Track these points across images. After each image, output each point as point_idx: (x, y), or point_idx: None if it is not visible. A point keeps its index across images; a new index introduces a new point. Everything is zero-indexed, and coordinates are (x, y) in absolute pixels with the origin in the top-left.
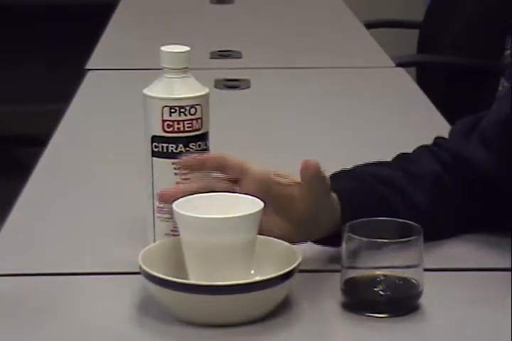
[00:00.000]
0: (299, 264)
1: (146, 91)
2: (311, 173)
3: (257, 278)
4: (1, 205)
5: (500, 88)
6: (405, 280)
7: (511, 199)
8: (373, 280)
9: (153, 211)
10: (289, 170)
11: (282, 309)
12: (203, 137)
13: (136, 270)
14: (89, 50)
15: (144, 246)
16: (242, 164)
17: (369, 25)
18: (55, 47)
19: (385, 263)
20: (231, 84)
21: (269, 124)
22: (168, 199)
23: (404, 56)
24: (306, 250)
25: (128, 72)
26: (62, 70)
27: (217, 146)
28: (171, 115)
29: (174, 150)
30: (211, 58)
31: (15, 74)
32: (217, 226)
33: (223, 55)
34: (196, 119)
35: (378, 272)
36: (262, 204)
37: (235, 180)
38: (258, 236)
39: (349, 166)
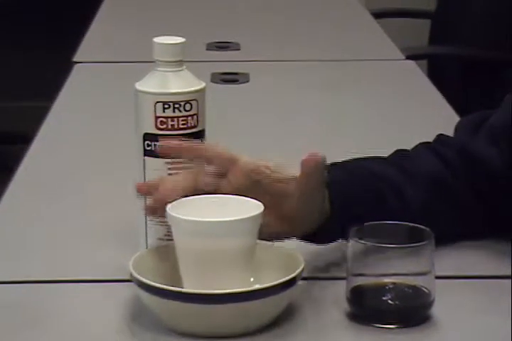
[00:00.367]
0: (302, 271)
1: (138, 85)
2: (312, 167)
3: (257, 286)
4: None
5: None
6: (416, 288)
7: None
8: (381, 289)
9: (145, 214)
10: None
11: (284, 319)
12: (199, 135)
13: (127, 277)
14: (77, 42)
15: (136, 252)
16: (230, 155)
17: (377, 15)
18: (40, 38)
19: (394, 270)
20: (229, 78)
21: (269, 121)
22: (145, 191)
23: (414, 48)
24: (310, 256)
25: (118, 65)
26: (48, 63)
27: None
28: (164, 111)
29: None
30: (207, 50)
31: None
32: (214, 230)
33: (220, 46)
34: (191, 116)
35: (387, 280)
36: (262, 207)
37: (221, 174)
38: (258, 240)
39: None
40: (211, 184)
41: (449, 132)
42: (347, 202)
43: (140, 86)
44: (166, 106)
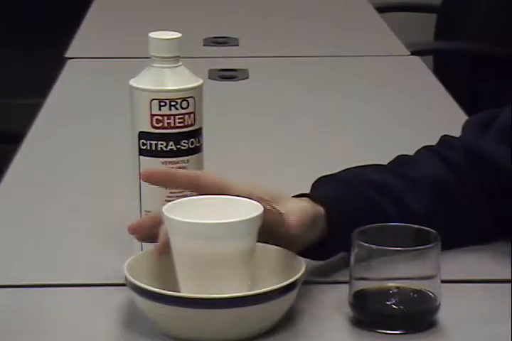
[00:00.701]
0: (303, 275)
1: (133, 82)
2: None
3: (256, 290)
4: None
5: None
6: (421, 292)
7: None
8: (385, 293)
9: (141, 215)
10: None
11: (283, 325)
12: (196, 133)
13: (122, 281)
14: (70, 36)
15: (131, 255)
16: (221, 183)
17: (381, 9)
18: (32, 33)
19: (399, 273)
20: (227, 75)
21: (269, 119)
22: (138, 230)
23: (420, 43)
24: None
25: (112, 61)
26: (39, 59)
27: (213, 144)
28: (160, 109)
29: (164, 148)
30: (205, 46)
31: None
32: (212, 233)
33: (218, 42)
34: (188, 114)
35: (391, 284)
36: (261, 209)
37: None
38: (257, 243)
39: (355, 160)
40: None
41: (456, 130)
42: (345, 218)
43: (135, 83)
44: (162, 103)
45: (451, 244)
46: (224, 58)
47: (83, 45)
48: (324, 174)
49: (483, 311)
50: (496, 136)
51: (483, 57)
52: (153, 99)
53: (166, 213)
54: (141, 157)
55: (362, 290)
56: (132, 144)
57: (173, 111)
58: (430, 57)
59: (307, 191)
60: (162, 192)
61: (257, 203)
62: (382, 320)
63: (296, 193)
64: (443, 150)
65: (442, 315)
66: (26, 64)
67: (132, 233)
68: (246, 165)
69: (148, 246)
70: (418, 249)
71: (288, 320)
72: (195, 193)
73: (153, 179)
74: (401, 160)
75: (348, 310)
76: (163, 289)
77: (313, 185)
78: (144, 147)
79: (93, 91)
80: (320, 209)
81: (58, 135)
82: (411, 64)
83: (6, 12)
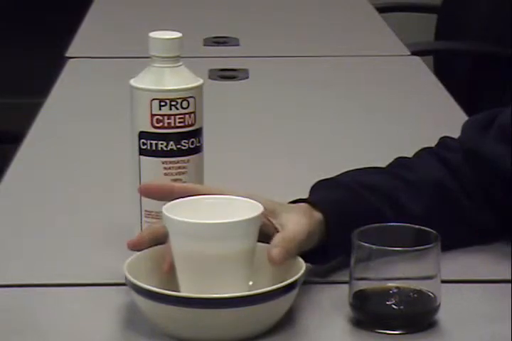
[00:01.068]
0: (303, 275)
1: (133, 82)
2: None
3: (257, 290)
4: None
5: None
6: (421, 293)
7: None
8: (385, 293)
9: (141, 215)
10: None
11: (284, 325)
12: (197, 133)
13: (122, 281)
14: (70, 36)
15: (131, 255)
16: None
17: (381, 9)
18: (32, 33)
19: (399, 274)
20: (227, 75)
21: (269, 119)
22: (137, 246)
23: (420, 43)
24: None
25: (113, 61)
26: (40, 59)
27: (213, 144)
28: (160, 109)
29: (164, 148)
30: (205, 45)
31: None
32: (212, 233)
33: (218, 41)
34: (189, 113)
35: (391, 284)
36: (261, 209)
37: None
38: (258, 243)
39: (355, 161)
40: None
41: (456, 130)
42: (344, 223)
43: (135, 82)
44: (163, 103)
45: (451, 245)
46: (224, 58)
47: (83, 45)
48: (324, 174)
49: (483, 311)
50: (496, 136)
51: (484, 57)
52: (154, 99)
53: (166, 213)
54: (141, 157)
55: (362, 291)
56: (132, 144)
57: (174, 111)
58: (430, 57)
59: (307, 190)
60: None
61: (257, 203)
62: (382, 320)
63: (297, 193)
64: (442, 152)
65: (442, 315)
66: (26, 63)
67: (132, 249)
68: (246, 165)
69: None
70: (418, 249)
71: (288, 320)
72: None
73: (150, 193)
74: (400, 162)
75: (348, 310)
76: (163, 289)
77: (311, 189)
78: (144, 147)
79: (93, 91)
80: (319, 215)
81: (58, 135)
82: (411, 64)
83: (6, 12)
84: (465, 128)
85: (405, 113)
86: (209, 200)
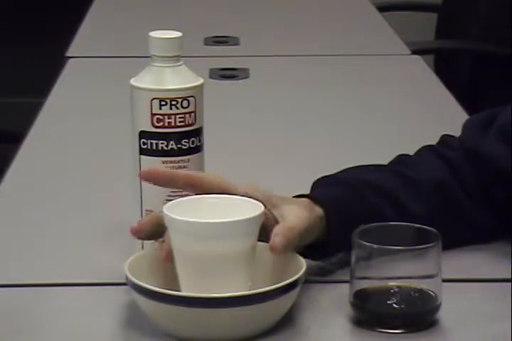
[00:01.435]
0: (303, 274)
1: (134, 81)
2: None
3: (257, 290)
4: None
5: None
6: (422, 292)
7: None
8: (386, 292)
9: (142, 215)
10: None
11: (284, 324)
12: (197, 133)
13: (123, 280)
14: (70, 36)
15: (131, 254)
16: (222, 186)
17: (382, 8)
18: (33, 33)
19: (400, 273)
20: (228, 74)
21: (270, 118)
22: (139, 232)
23: (421, 42)
24: None
25: (113, 60)
26: (40, 58)
27: (213, 143)
28: (160, 108)
29: (165, 148)
30: (205, 45)
31: None
32: (213, 232)
33: (219, 41)
34: (189, 113)
35: (392, 283)
36: (262, 208)
37: None
38: (258, 242)
39: (355, 160)
40: None
41: (457, 129)
42: (344, 219)
43: (136, 82)
44: (163, 103)
45: (450, 244)
46: (225, 57)
47: (84, 44)
48: (324, 173)
49: (483, 310)
50: (496, 135)
51: (484, 56)
52: (154, 99)
53: (166, 212)
54: (141, 156)
55: (363, 290)
56: (133, 143)
57: (174, 111)
58: (431, 56)
59: (307, 190)
60: (163, 191)
61: (258, 202)
62: (383, 319)
63: (297, 192)
64: (443, 150)
65: (443, 315)
66: (27, 63)
67: (134, 234)
68: (246, 164)
69: (149, 246)
70: (419, 248)
71: (288, 319)
72: (195, 193)
73: (152, 178)
74: (401, 160)
75: (348, 310)
76: (164, 288)
77: (312, 185)
78: (145, 146)
79: (94, 90)
80: (319, 210)
81: (59, 134)
82: (412, 63)
83: (6, 11)
84: (465, 127)
85: (406, 112)
86: (210, 200)
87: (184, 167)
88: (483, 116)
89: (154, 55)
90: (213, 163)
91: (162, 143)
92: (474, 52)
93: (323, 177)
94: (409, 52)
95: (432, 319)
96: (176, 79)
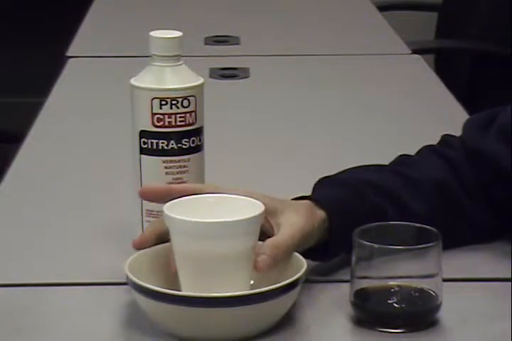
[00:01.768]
0: (304, 274)
1: (134, 81)
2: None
3: (257, 289)
4: None
5: None
6: (422, 291)
7: None
8: (387, 292)
9: (142, 214)
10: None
11: (285, 324)
12: (197, 132)
13: (123, 280)
14: (71, 35)
15: (131, 254)
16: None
17: (382, 8)
18: (33, 32)
19: (400, 272)
20: (228, 74)
21: (270, 118)
22: (149, 196)
23: (421, 42)
24: None
25: (113, 60)
26: (40, 58)
27: (213, 143)
28: (161, 108)
29: (165, 147)
30: (206, 44)
31: None
32: (213, 232)
33: (219, 40)
34: (189, 113)
35: (392, 282)
36: (262, 208)
37: None
38: (259, 242)
39: (356, 160)
40: None
41: (457, 128)
42: (346, 220)
43: (136, 81)
44: (163, 102)
45: (450, 244)
46: (225, 57)
47: (84, 44)
48: (325, 173)
49: (484, 310)
50: (497, 135)
51: (485, 56)
52: (154, 98)
53: (167, 212)
54: (142, 156)
55: (363, 289)
56: (133, 143)
57: (174, 110)
58: (431, 56)
59: (307, 190)
60: None
61: (258, 202)
62: (383, 318)
63: (297, 192)
64: (444, 150)
65: (443, 314)
66: (27, 63)
67: (137, 248)
68: (247, 164)
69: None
70: (419, 248)
71: (289, 319)
72: None
73: (149, 197)
74: (402, 160)
75: (349, 309)
76: (164, 288)
77: (314, 186)
78: (145, 146)
79: (94, 90)
80: (321, 212)
81: (59, 134)
82: (412, 62)
83: (6, 11)
84: (466, 127)
85: (406, 112)
86: (210, 199)
87: (184, 166)
88: (484, 116)
89: (154, 55)
90: (213, 162)
91: (162, 143)
92: (474, 52)
93: (324, 178)
94: (409, 52)
95: (432, 318)
96: (177, 78)
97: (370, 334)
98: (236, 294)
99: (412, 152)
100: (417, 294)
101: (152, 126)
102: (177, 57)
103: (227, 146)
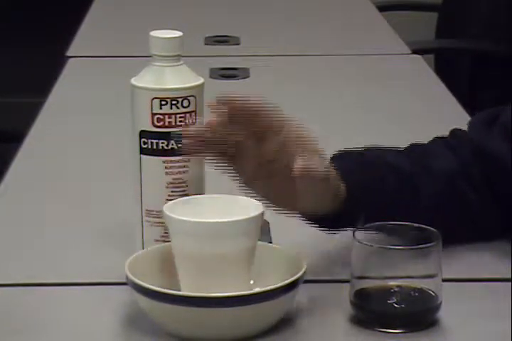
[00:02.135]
0: (304, 274)
1: (134, 81)
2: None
3: (257, 289)
4: None
5: None
6: (422, 291)
7: None
8: (386, 292)
9: (142, 215)
10: None
11: (285, 324)
12: None
13: (123, 280)
14: (71, 35)
15: (132, 254)
16: (283, 122)
17: (382, 8)
18: (32, 32)
19: (400, 272)
20: (228, 74)
21: None
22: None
23: (421, 42)
24: (312, 258)
25: (113, 60)
26: (40, 58)
27: None
28: (161, 108)
29: (165, 147)
30: (206, 44)
31: None
32: (213, 232)
33: (219, 40)
34: (189, 113)
35: (392, 282)
36: (262, 208)
37: (259, 136)
38: (258, 242)
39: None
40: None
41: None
42: (364, 190)
43: (136, 81)
44: (163, 102)
45: (451, 238)
46: (225, 57)
47: (84, 44)
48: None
49: (484, 310)
50: (500, 134)
51: (485, 56)
52: (155, 98)
53: (166, 212)
54: (142, 156)
55: (363, 289)
56: (133, 143)
57: (174, 110)
58: (431, 56)
59: None
60: (163, 191)
61: (258, 202)
62: (383, 318)
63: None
64: (455, 143)
65: (443, 314)
66: (27, 63)
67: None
68: None
69: (150, 245)
70: (419, 248)
71: (288, 319)
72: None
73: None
74: (415, 148)
75: (349, 309)
76: (164, 288)
77: (332, 158)
78: (145, 146)
79: (94, 90)
80: (339, 182)
81: (59, 134)
82: (412, 62)
83: (6, 11)
84: (470, 127)
85: (406, 111)
86: (210, 199)
87: (184, 166)
88: (487, 115)
89: (155, 55)
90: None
91: (162, 143)
92: (474, 52)
93: (343, 151)
94: (409, 52)
95: (432, 319)
96: (177, 78)
97: (370, 334)
98: (236, 294)
99: None
100: (417, 294)
101: (152, 126)
102: (177, 57)
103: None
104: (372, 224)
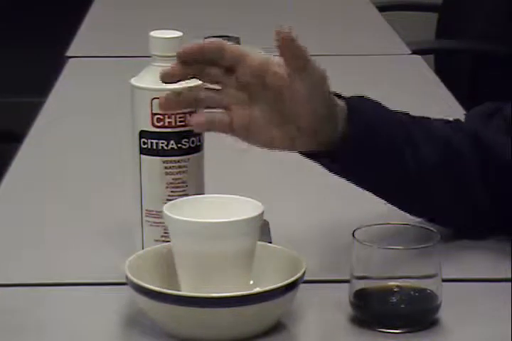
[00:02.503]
0: (304, 274)
1: (134, 81)
2: (286, 45)
3: (257, 290)
4: None
5: None
6: (422, 291)
7: None
8: (387, 292)
9: (141, 215)
10: None
11: (284, 324)
12: (197, 133)
13: (123, 280)
14: (70, 35)
15: (131, 254)
16: (241, 49)
17: (382, 8)
18: (32, 32)
19: (400, 272)
20: None
21: None
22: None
23: (421, 42)
24: (312, 258)
25: (113, 60)
26: (40, 58)
27: (213, 143)
28: None
29: (165, 147)
30: None
31: None
32: (213, 232)
33: None
34: (189, 113)
35: (392, 283)
36: (262, 207)
37: (229, 69)
38: (258, 243)
39: None
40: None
41: None
42: (368, 131)
43: (136, 81)
44: None
45: (443, 206)
46: None
47: (84, 44)
48: (324, 173)
49: (484, 310)
50: (499, 125)
51: (485, 56)
52: (154, 98)
53: (166, 212)
54: (141, 156)
55: (363, 289)
56: (133, 143)
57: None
58: (431, 56)
59: (307, 190)
60: (163, 191)
61: (258, 202)
62: (383, 318)
63: (297, 191)
64: (455, 125)
65: (443, 314)
66: (27, 63)
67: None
68: (247, 164)
69: (150, 245)
70: (419, 248)
71: (288, 319)
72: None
73: (189, 58)
74: (413, 116)
75: (349, 309)
76: (164, 288)
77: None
78: (145, 146)
79: (94, 90)
80: (344, 105)
81: (59, 134)
82: (412, 63)
83: (6, 11)
84: (468, 119)
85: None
86: (210, 200)
87: (184, 167)
88: (486, 108)
89: (155, 55)
90: (213, 162)
91: (162, 143)
92: (474, 52)
93: (358, 97)
94: (409, 52)
95: (432, 318)
96: None
97: (370, 334)
98: (236, 294)
99: None
100: (416, 294)
101: (152, 126)
102: None
103: (227, 146)
104: (372, 224)
